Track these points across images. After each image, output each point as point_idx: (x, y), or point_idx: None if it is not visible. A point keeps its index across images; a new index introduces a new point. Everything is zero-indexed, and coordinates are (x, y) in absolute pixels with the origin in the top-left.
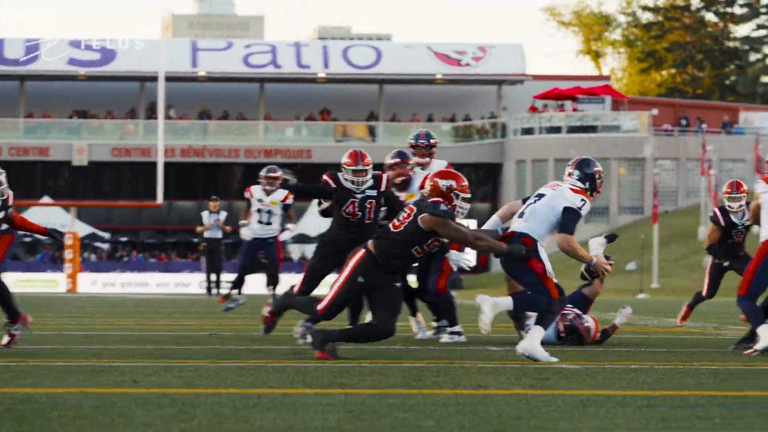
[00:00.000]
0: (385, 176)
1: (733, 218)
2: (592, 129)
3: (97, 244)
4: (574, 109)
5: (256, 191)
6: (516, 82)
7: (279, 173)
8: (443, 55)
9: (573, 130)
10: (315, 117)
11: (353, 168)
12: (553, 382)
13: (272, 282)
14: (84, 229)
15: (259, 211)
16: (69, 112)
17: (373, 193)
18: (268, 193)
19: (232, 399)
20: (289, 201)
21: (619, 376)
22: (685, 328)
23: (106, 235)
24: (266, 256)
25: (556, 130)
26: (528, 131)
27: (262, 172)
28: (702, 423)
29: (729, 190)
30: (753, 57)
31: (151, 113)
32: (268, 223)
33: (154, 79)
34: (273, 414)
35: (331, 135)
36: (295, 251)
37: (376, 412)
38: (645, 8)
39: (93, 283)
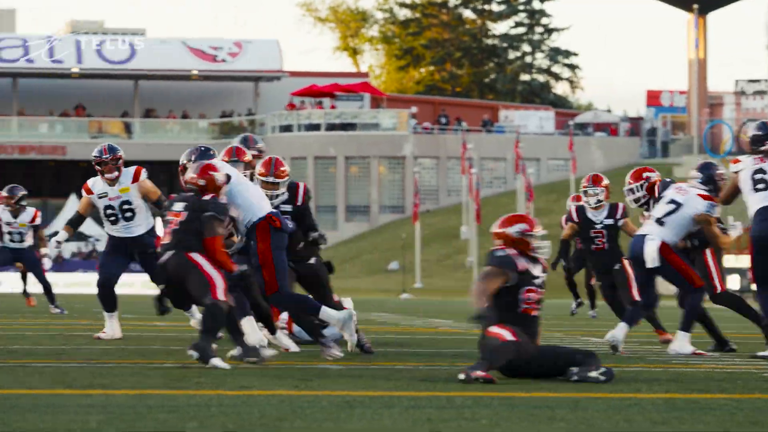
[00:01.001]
0: (302, 186)
1: (590, 215)
2: (351, 126)
3: None
4: (333, 107)
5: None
6: (273, 78)
7: (20, 194)
8: (199, 51)
9: (332, 127)
10: (69, 113)
11: (264, 179)
12: (317, 383)
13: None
14: None
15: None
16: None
17: (288, 207)
18: (15, 214)
19: None
20: (38, 221)
21: (385, 376)
22: (448, 329)
23: None
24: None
25: (315, 127)
26: (287, 128)
27: (3, 192)
28: (469, 424)
29: (585, 183)
30: (512, 55)
31: None
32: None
33: None
34: (33, 415)
35: (86, 131)
36: None
37: (137, 413)
38: (402, 5)
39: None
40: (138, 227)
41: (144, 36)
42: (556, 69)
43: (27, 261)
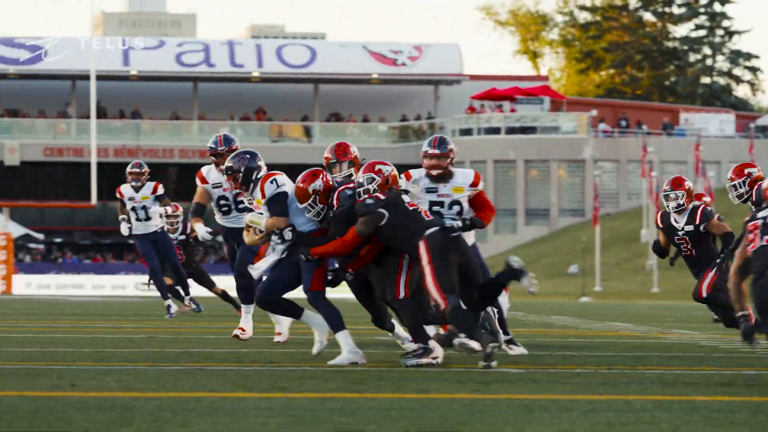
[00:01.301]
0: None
1: (673, 220)
2: (531, 130)
3: (31, 245)
4: (512, 110)
5: (125, 190)
6: (453, 82)
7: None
8: (379, 55)
9: (512, 131)
10: (250, 117)
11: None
12: (497, 387)
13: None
14: (17, 230)
15: (133, 208)
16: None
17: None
18: (136, 189)
19: (171, 403)
20: (160, 191)
21: (564, 380)
22: (628, 332)
23: (40, 236)
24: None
25: (495, 131)
26: (466, 132)
27: (130, 168)
28: (648, 428)
29: (666, 187)
30: (692, 57)
31: (84, 112)
32: (147, 219)
33: (86, 77)
34: (212, 418)
35: (266, 135)
36: None
37: (316, 417)
38: (582, 8)
39: (28, 285)
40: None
41: (324, 40)
42: (736, 72)
43: (161, 246)
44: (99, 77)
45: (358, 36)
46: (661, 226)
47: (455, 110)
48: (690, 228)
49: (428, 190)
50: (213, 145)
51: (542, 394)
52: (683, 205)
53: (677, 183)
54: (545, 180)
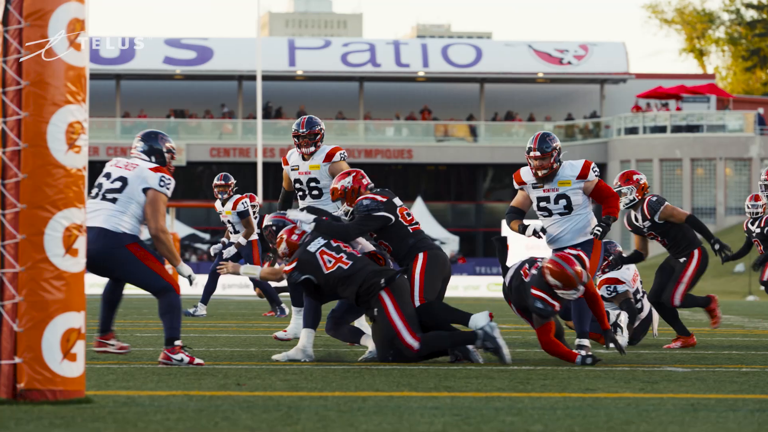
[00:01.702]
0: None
1: (633, 219)
2: (696, 128)
3: (198, 245)
4: (678, 108)
5: (217, 203)
6: (619, 80)
7: (231, 181)
8: (544, 54)
9: (677, 129)
10: (415, 116)
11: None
12: (663, 386)
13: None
14: (183, 230)
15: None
16: (166, 111)
17: None
18: (222, 203)
19: (337, 402)
20: (240, 208)
21: (730, 379)
22: None
23: (206, 236)
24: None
25: (661, 129)
26: (632, 131)
27: (216, 180)
28: None
29: (615, 182)
30: None
31: (250, 113)
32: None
33: (252, 78)
34: (378, 417)
35: (432, 135)
36: None
37: (483, 416)
38: (749, 6)
39: (195, 285)
40: (325, 207)
41: (490, 39)
42: None
43: (245, 257)
44: (265, 77)
45: (523, 35)
46: (629, 228)
47: (621, 109)
48: (648, 223)
49: (534, 186)
50: (296, 127)
51: (708, 393)
52: (635, 200)
53: (625, 178)
54: (711, 178)
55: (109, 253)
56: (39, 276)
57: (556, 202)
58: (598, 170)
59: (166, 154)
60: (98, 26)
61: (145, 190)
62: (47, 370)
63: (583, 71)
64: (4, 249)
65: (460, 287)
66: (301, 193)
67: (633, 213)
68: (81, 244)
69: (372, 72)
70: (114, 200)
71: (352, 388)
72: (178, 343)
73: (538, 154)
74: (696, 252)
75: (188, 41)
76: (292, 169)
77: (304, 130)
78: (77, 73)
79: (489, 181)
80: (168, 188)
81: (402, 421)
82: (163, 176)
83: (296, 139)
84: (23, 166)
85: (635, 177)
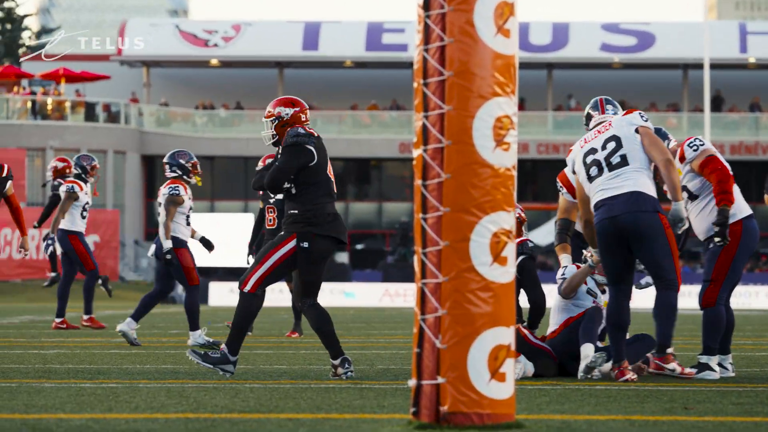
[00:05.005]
0: None
1: None
2: None
3: None
4: None
5: None
6: None
7: None
8: None
9: None
10: None
11: None
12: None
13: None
14: None
15: None
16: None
17: None
18: None
19: None
20: None
21: None
22: None
23: None
24: None
25: None
26: None
27: None
28: None
29: None
30: None
31: (696, 105)
32: None
33: (699, 66)
34: None
35: None
36: None
37: None
38: None
39: None
40: None
41: None
42: None
43: None
44: (713, 66)
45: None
46: None
47: None
48: None
49: None
50: None
51: None
52: None
53: None
54: None
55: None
56: (464, 287)
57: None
58: None
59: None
60: (528, 11)
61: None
62: (473, 392)
63: None
64: (426, 257)
65: None
66: None
67: None
68: (510, 251)
69: None
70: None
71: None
72: (670, 350)
73: None
74: None
75: (627, 26)
76: None
77: None
78: (506, 62)
79: None
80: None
81: None
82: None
83: None
84: (446, 165)
85: None
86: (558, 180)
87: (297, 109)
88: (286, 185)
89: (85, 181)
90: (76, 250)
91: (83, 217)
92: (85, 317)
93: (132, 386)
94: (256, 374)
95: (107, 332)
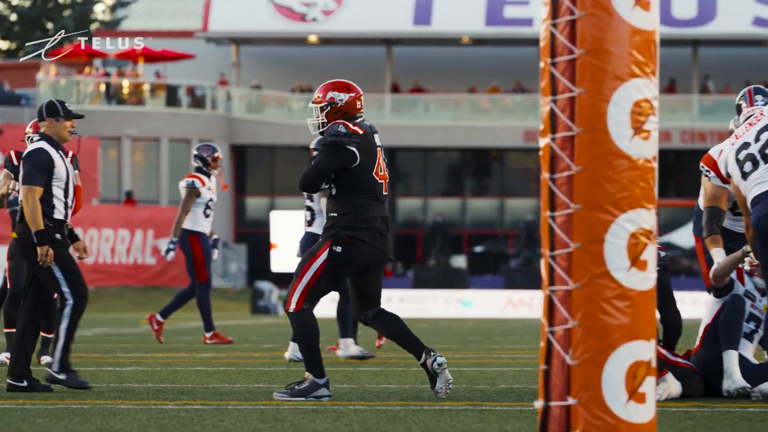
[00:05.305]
0: None
1: None
2: None
3: None
4: None
5: None
6: None
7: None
8: None
9: None
10: None
11: None
12: None
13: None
14: None
15: None
16: (754, 83)
17: None
18: None
19: None
20: None
21: None
22: None
23: None
24: None
25: None
26: None
27: None
28: None
29: None
30: None
31: None
32: None
33: None
34: None
35: None
36: None
37: None
38: None
39: None
40: None
41: None
42: None
43: None
44: None
45: None
46: None
47: None
48: None
49: None
50: None
51: None
52: None
53: None
54: None
55: None
56: (598, 295)
57: None
58: None
59: None
60: None
61: None
62: (609, 414)
63: None
64: (554, 261)
65: None
66: None
67: None
68: (650, 254)
69: None
70: None
71: None
72: None
73: None
74: None
75: None
76: None
77: None
78: (645, 39)
79: None
80: None
81: None
82: None
83: None
84: (578, 157)
85: None
86: (702, 163)
87: (353, 94)
88: (325, 185)
89: (208, 175)
90: (193, 254)
91: (206, 216)
92: (208, 334)
93: (220, 408)
94: (360, 394)
95: (192, 347)
